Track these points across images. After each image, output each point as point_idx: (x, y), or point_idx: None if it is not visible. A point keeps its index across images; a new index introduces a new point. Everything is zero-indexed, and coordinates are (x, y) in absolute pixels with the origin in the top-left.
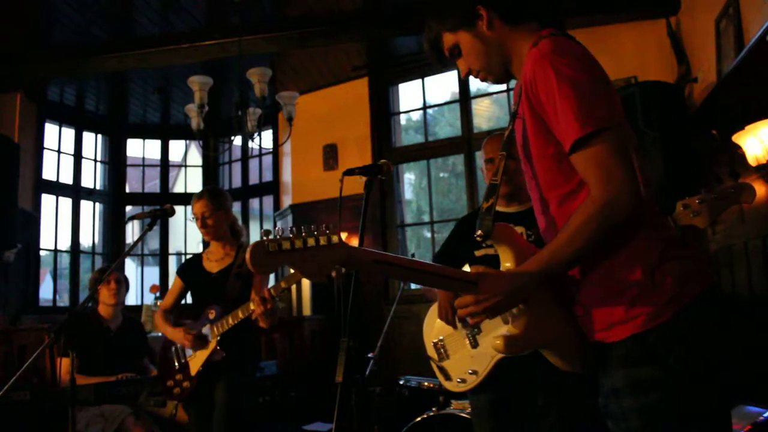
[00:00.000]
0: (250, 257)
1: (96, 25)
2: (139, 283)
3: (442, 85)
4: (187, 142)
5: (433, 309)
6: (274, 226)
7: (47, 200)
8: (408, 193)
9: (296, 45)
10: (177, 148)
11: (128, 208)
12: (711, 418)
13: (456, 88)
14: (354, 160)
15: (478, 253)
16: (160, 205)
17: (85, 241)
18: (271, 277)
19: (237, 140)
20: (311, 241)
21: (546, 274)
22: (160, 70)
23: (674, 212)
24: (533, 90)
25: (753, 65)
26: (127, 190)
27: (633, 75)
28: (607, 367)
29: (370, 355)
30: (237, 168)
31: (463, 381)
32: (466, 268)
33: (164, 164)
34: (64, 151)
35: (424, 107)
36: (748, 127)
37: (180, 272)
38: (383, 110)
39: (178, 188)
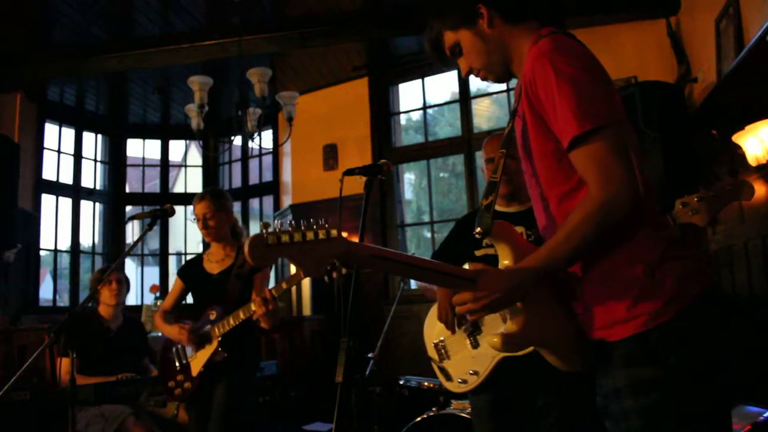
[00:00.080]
0: (249, 249)
1: (96, 25)
2: (139, 283)
3: (442, 85)
4: (187, 142)
5: (434, 309)
6: None
7: (47, 200)
8: (408, 193)
9: (296, 45)
10: (177, 148)
11: (128, 208)
12: (711, 418)
13: (456, 88)
14: (354, 160)
15: (478, 252)
16: (160, 205)
17: (85, 241)
18: (272, 277)
19: (237, 140)
20: (310, 235)
21: (544, 272)
22: (160, 70)
23: (673, 210)
24: (533, 88)
25: (753, 65)
26: (127, 190)
27: (633, 75)
28: (607, 366)
29: (370, 355)
30: (237, 168)
31: (464, 381)
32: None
33: (164, 164)
34: (64, 151)
35: (424, 107)
36: (748, 127)
37: (181, 273)
38: (383, 110)
39: (178, 188)
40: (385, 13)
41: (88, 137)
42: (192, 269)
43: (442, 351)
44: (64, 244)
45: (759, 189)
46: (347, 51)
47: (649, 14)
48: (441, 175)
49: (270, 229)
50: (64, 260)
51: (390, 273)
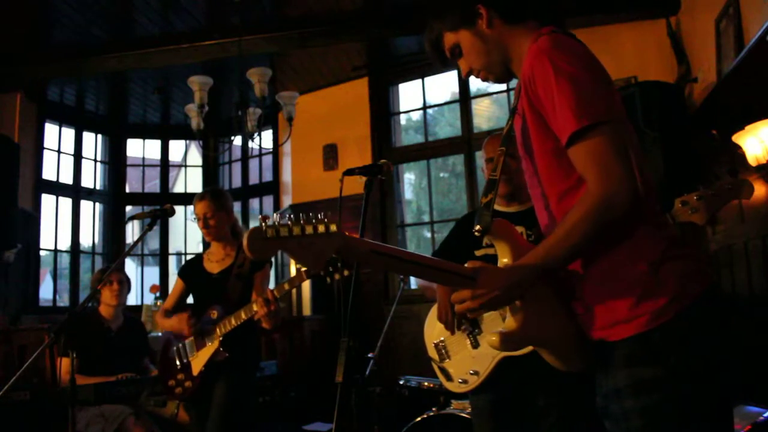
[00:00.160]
0: (247, 242)
1: (96, 25)
2: (139, 283)
3: (442, 85)
4: (187, 142)
5: (434, 310)
6: None
7: (47, 200)
8: (408, 193)
9: (296, 45)
10: (177, 148)
11: (128, 208)
12: (712, 418)
13: (456, 88)
14: (354, 160)
15: (478, 252)
16: (160, 205)
17: (85, 241)
18: (272, 278)
19: (237, 140)
20: (309, 229)
21: (543, 270)
22: (160, 70)
23: (672, 209)
24: (532, 85)
25: (753, 65)
26: (127, 190)
27: (633, 75)
28: (608, 366)
29: (370, 355)
30: (237, 168)
31: (465, 381)
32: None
33: (164, 164)
34: (64, 151)
35: (424, 107)
36: (748, 127)
37: (181, 273)
38: (383, 110)
39: (178, 188)
40: (385, 13)
41: (88, 137)
42: (192, 269)
43: (443, 351)
44: (64, 244)
45: (759, 189)
46: (347, 51)
47: (649, 14)
48: (441, 175)
49: (269, 223)
50: (64, 260)
51: (389, 270)
